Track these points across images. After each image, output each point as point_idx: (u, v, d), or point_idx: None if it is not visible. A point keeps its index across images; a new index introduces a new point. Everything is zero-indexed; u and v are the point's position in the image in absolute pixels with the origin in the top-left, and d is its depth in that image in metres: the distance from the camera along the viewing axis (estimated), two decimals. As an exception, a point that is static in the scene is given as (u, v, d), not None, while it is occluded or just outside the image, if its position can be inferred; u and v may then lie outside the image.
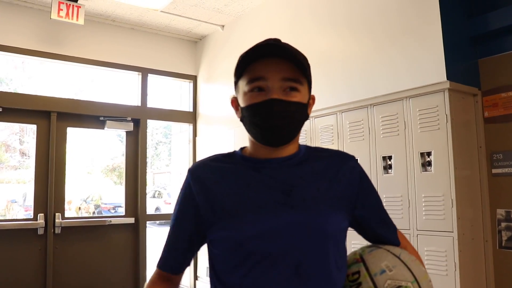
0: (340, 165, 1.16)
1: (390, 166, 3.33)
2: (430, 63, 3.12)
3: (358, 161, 1.23)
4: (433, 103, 3.07)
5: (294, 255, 1.03)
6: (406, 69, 3.27)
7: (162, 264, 1.18)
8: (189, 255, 1.19)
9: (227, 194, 1.08)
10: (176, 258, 1.18)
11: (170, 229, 1.18)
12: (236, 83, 1.15)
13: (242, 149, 1.20)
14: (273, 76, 1.06)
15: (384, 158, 3.37)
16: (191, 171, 1.16)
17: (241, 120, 1.14)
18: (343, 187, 1.14)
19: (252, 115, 1.08)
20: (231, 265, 1.07)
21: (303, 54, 1.12)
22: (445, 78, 3.00)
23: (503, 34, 3.20)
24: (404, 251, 1.18)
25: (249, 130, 1.12)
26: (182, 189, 1.17)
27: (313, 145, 2.03)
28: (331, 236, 1.08)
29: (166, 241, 1.19)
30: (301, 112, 1.10)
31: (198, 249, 1.19)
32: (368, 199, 1.20)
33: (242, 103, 1.11)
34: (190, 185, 1.13)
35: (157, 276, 1.19)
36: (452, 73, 3.04)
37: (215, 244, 1.11)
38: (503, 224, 3.11)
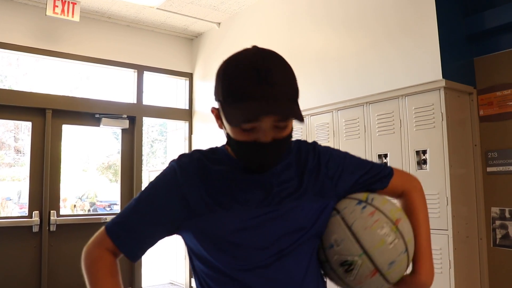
0: (306, 156, 1.19)
1: (385, 164, 3.33)
2: (426, 61, 3.12)
3: (318, 143, 1.26)
4: (428, 101, 3.08)
5: (275, 246, 1.07)
6: (402, 67, 3.28)
7: (128, 251, 1.10)
8: (154, 244, 1.14)
9: (211, 192, 1.10)
10: (143, 248, 1.12)
11: (141, 213, 1.10)
12: (219, 103, 1.07)
13: (224, 145, 1.20)
14: (266, 119, 1.00)
15: (379, 156, 3.37)
16: (179, 163, 1.14)
17: (227, 138, 1.12)
18: (316, 177, 1.16)
19: (241, 151, 1.08)
20: (215, 253, 1.08)
21: (294, 78, 1.03)
22: (440, 77, 3.01)
23: (498, 33, 3.21)
24: (362, 216, 1.11)
25: (235, 154, 1.11)
26: (164, 176, 1.14)
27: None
28: (310, 227, 1.11)
29: (135, 225, 1.10)
30: (290, 140, 1.11)
31: (164, 236, 1.14)
32: (345, 172, 1.20)
33: (229, 131, 1.07)
34: (177, 175, 1.11)
35: (110, 254, 1.10)
36: (448, 71, 3.05)
37: (195, 236, 1.11)
38: (498, 222, 3.12)
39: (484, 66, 3.29)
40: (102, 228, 1.13)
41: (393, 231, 1.10)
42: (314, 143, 1.24)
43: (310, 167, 1.17)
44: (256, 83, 0.97)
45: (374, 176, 1.24)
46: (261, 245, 1.07)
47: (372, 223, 1.10)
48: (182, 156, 1.16)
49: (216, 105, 1.11)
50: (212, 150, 1.19)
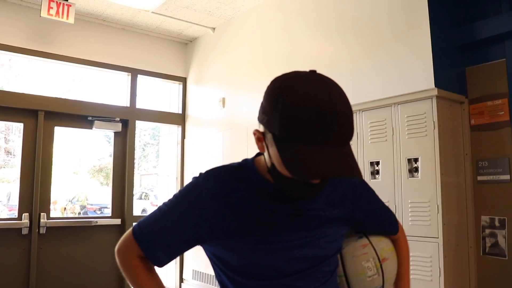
0: (341, 185, 1.19)
1: (377, 172, 3.35)
2: (419, 70, 3.15)
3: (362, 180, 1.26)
4: (421, 110, 3.11)
5: (299, 269, 1.10)
6: (395, 75, 3.30)
7: (154, 259, 1.12)
8: (180, 254, 1.16)
9: (237, 215, 1.08)
10: (169, 258, 1.14)
11: (166, 226, 1.11)
12: (272, 135, 0.97)
13: (255, 157, 1.15)
14: None
15: (371, 163, 3.39)
16: (206, 184, 1.10)
17: (270, 166, 1.02)
18: (346, 208, 1.18)
19: (285, 186, 1.02)
20: (238, 270, 1.10)
21: (353, 115, 0.96)
22: (433, 85, 3.04)
23: (490, 44, 3.25)
24: (354, 245, 1.23)
25: (276, 183, 1.05)
26: (189, 196, 1.11)
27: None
28: (335, 253, 1.17)
29: (160, 237, 1.11)
30: None
31: (190, 248, 1.16)
32: (368, 213, 1.26)
33: (276, 163, 0.99)
34: (202, 196, 1.09)
35: (142, 262, 1.13)
36: (440, 80, 3.08)
37: (218, 251, 1.12)
38: (487, 231, 3.15)
39: (476, 76, 3.32)
40: (130, 232, 1.14)
41: (376, 267, 1.22)
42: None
43: (343, 192, 1.18)
44: (322, 129, 0.89)
45: (384, 223, 1.31)
46: (285, 268, 1.09)
47: (360, 254, 1.22)
48: (209, 177, 1.12)
49: (259, 127, 1.03)
50: (241, 166, 1.14)
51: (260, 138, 1.02)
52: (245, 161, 1.16)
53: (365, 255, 1.21)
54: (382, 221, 1.29)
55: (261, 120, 1.00)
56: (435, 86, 3.03)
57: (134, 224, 1.17)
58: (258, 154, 1.15)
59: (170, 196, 1.16)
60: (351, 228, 1.23)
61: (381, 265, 1.22)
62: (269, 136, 0.98)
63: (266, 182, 1.09)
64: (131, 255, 1.12)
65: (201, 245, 1.14)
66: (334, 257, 1.17)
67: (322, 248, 1.12)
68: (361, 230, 1.27)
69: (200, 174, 1.14)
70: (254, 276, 1.09)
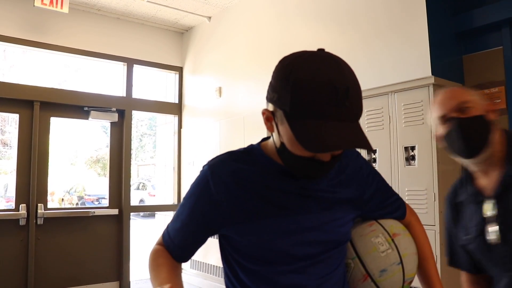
0: (347, 162, 1.18)
1: (374, 160, 3.36)
2: (415, 58, 3.14)
3: (361, 155, 1.25)
4: (417, 98, 3.11)
5: (309, 254, 1.09)
6: (391, 63, 3.30)
7: (176, 254, 1.17)
8: (199, 247, 1.19)
9: (247, 198, 1.08)
10: (189, 251, 1.18)
11: (182, 220, 1.15)
12: (283, 112, 0.96)
13: (260, 142, 1.16)
14: None
15: (368, 152, 3.40)
16: (212, 169, 1.12)
17: (280, 146, 1.03)
18: (353, 189, 1.17)
19: (296, 165, 1.02)
20: (250, 256, 1.11)
21: (361, 92, 0.97)
22: (430, 74, 3.03)
23: (487, 31, 3.24)
24: (361, 226, 1.21)
25: (286, 164, 1.04)
26: (198, 184, 1.13)
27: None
28: (345, 240, 1.16)
29: (178, 232, 1.16)
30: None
31: (206, 240, 1.18)
32: (374, 193, 1.23)
33: (286, 142, 0.99)
34: (209, 183, 1.10)
35: (169, 260, 1.18)
36: (436, 68, 3.08)
37: (232, 241, 1.13)
38: (484, 218, 3.16)
39: (473, 64, 3.32)
40: (164, 252, 1.20)
41: (387, 241, 1.17)
42: (357, 152, 1.23)
43: (350, 174, 1.17)
44: (334, 104, 0.90)
45: (391, 204, 1.27)
46: (296, 252, 1.08)
47: (368, 232, 1.19)
48: (215, 163, 1.13)
49: (267, 106, 1.03)
50: (247, 151, 1.15)
51: (269, 117, 1.02)
52: (251, 146, 1.16)
53: (373, 232, 1.18)
54: (389, 203, 1.26)
55: (270, 98, 1.00)
56: (432, 74, 3.03)
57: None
58: (263, 140, 1.16)
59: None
60: (359, 212, 1.21)
61: (392, 240, 1.17)
62: (279, 113, 0.97)
63: (275, 163, 1.09)
64: (159, 246, 1.20)
65: (215, 234, 1.15)
66: (345, 244, 1.16)
67: (332, 232, 1.12)
68: (369, 214, 1.23)
69: (207, 163, 1.15)
70: (265, 261, 1.09)
